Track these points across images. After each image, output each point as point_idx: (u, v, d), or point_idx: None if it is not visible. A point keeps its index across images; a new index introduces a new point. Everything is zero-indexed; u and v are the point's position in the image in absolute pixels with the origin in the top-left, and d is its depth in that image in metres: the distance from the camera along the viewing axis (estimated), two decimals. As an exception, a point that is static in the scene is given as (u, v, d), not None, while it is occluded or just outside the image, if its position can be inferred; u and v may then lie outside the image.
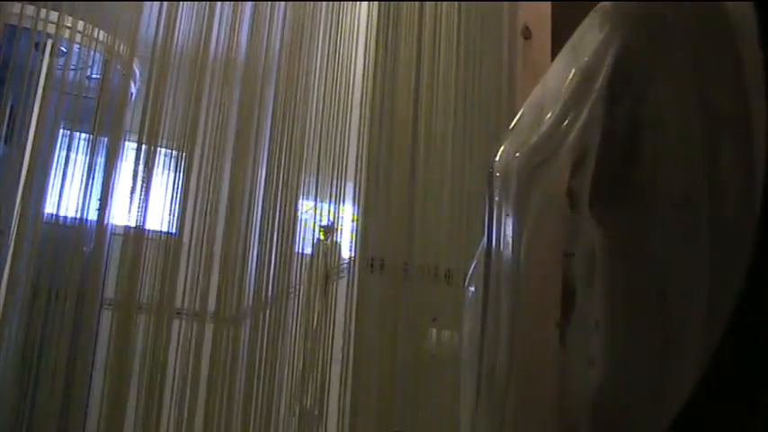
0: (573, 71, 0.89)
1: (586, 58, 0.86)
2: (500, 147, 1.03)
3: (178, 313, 2.52)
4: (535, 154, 0.93)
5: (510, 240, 0.96)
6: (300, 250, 2.69)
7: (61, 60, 2.86)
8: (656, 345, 0.72)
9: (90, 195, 2.57)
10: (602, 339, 0.77)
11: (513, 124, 1.03)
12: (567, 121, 0.86)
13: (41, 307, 2.46)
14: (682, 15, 0.80)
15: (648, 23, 0.83)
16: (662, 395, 0.71)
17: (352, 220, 2.76)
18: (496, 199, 1.00)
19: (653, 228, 0.76)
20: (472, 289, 1.39)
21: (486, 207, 1.02)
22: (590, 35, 0.88)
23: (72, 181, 2.61)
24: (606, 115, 0.81)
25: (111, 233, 2.62)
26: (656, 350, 0.72)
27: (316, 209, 2.74)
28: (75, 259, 2.53)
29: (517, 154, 0.98)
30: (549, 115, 0.91)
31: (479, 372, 0.98)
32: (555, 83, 0.95)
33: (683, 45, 0.79)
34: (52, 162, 2.77)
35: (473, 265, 1.35)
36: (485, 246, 1.01)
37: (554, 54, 2.48)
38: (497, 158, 1.01)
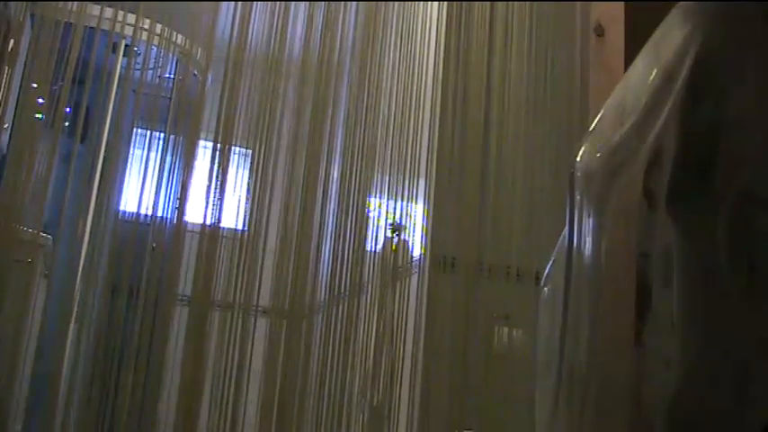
0: (654, 71, 0.88)
1: (668, 58, 0.85)
2: (581, 147, 1.02)
3: (247, 309, 2.55)
4: (616, 154, 0.93)
5: (590, 241, 0.96)
6: (373, 248, 2.71)
7: (136, 61, 2.91)
8: (743, 344, 0.72)
9: (166, 194, 2.62)
10: (678, 340, 0.76)
11: (593, 125, 1.02)
12: (648, 122, 0.85)
13: (117, 304, 2.50)
14: (763, 14, 0.79)
15: (730, 22, 0.82)
16: (750, 397, 0.70)
17: (424, 216, 2.76)
18: (578, 198, 1.00)
19: (733, 227, 0.75)
20: (547, 289, 1.38)
21: (568, 207, 1.02)
22: (672, 33, 0.87)
23: (146, 179, 2.65)
24: (685, 114, 0.80)
25: (175, 230, 2.66)
26: (742, 350, 0.72)
27: (387, 206, 2.75)
28: (149, 256, 2.58)
29: (598, 154, 0.97)
30: (630, 115, 0.91)
31: (559, 371, 0.98)
32: (636, 82, 0.95)
33: (764, 44, 0.78)
34: (127, 161, 2.82)
35: (549, 265, 1.35)
36: (566, 246, 1.01)
37: (627, 52, 2.45)
38: (578, 159, 1.01)
